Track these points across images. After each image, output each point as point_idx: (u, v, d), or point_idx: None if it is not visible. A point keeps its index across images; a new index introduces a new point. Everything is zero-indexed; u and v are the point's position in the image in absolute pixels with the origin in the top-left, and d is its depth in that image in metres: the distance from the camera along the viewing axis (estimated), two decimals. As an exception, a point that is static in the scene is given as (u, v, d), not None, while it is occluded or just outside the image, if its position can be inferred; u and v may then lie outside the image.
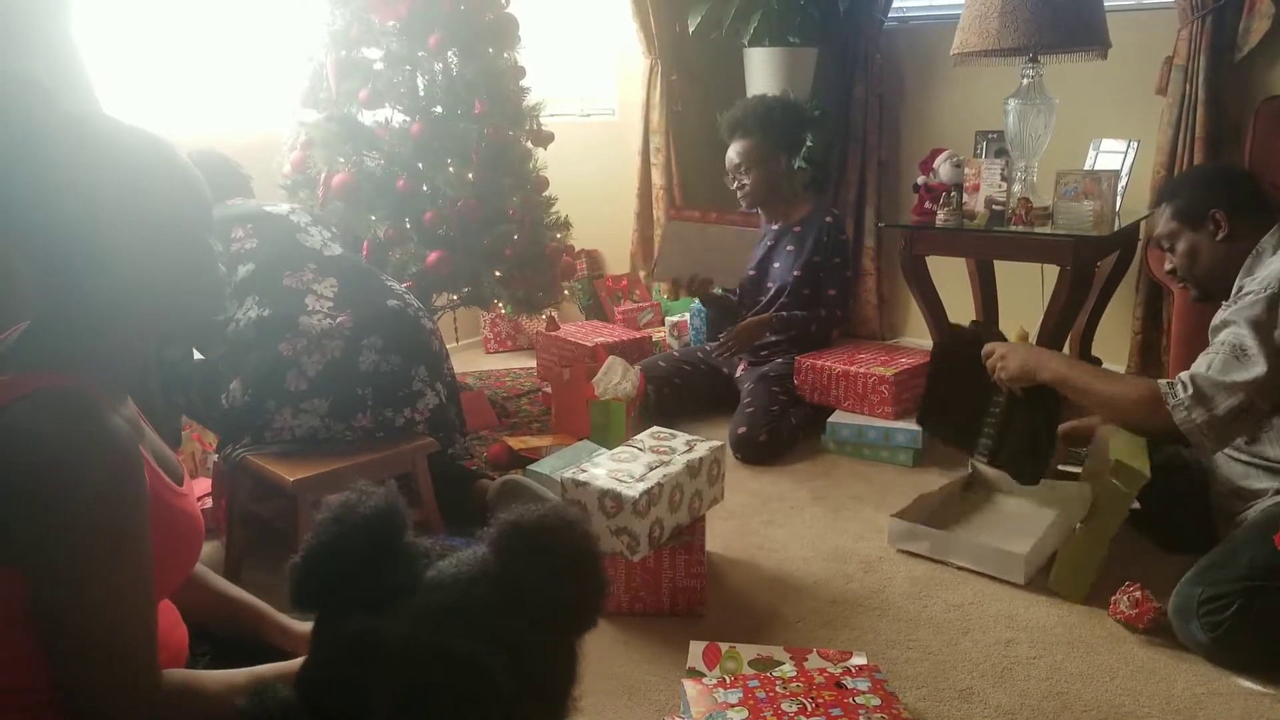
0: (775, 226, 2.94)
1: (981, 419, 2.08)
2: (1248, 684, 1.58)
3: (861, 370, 2.63)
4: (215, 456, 2.07)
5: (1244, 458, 1.80)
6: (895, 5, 3.50)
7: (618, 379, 2.65)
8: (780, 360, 2.86)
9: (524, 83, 2.82)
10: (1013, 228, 2.63)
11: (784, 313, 2.88)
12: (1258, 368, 1.64)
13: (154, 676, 0.92)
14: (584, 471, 1.80)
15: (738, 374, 2.95)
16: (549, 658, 0.80)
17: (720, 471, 1.96)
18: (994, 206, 2.70)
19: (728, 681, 1.48)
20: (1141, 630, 1.72)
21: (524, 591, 0.77)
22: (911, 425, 2.56)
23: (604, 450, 2.06)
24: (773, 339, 2.90)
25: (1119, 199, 2.70)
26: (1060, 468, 2.16)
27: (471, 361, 3.71)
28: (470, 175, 2.68)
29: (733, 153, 2.89)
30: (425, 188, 2.68)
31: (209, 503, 2.16)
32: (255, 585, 1.37)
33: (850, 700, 1.43)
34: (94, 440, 0.86)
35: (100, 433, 0.87)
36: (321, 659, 0.82)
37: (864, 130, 3.59)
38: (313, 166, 2.68)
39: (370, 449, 1.90)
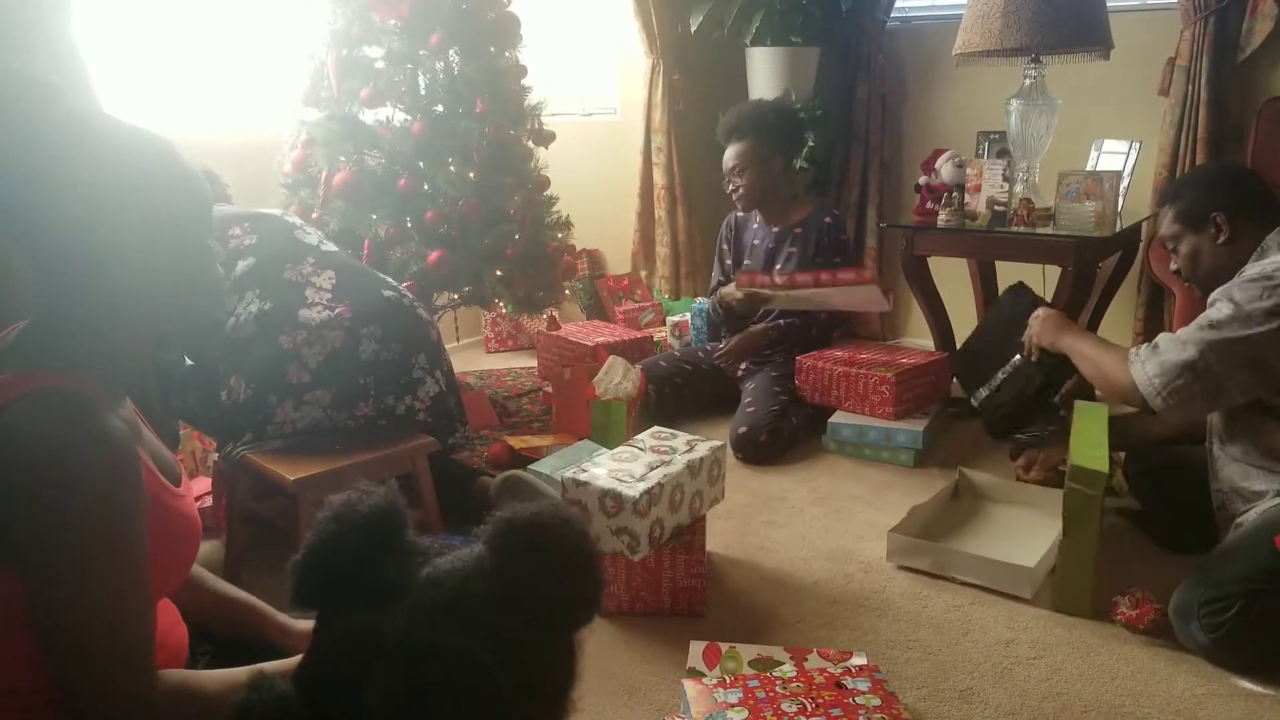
0: (776, 229, 2.94)
1: (996, 370, 2.37)
2: (1248, 685, 1.58)
3: (863, 370, 2.63)
4: (215, 455, 2.07)
5: (1244, 458, 1.80)
6: (898, 5, 3.50)
7: (619, 379, 2.65)
8: (781, 360, 2.86)
9: (525, 82, 2.82)
10: (1014, 228, 2.63)
11: (781, 321, 2.88)
12: (1218, 332, 1.70)
13: (151, 677, 0.92)
14: (584, 471, 1.80)
15: (739, 374, 2.95)
16: (546, 655, 0.80)
17: (721, 471, 1.96)
18: (996, 207, 2.70)
19: (728, 681, 1.48)
20: (1142, 631, 1.72)
21: (519, 588, 0.77)
22: (912, 426, 2.56)
23: (605, 450, 2.06)
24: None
25: (1121, 200, 2.70)
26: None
27: (472, 361, 3.71)
28: (471, 174, 2.68)
29: (727, 156, 2.89)
30: (426, 187, 2.68)
31: (209, 502, 2.16)
32: (256, 585, 1.37)
33: (850, 700, 1.43)
34: (92, 441, 0.86)
35: (98, 433, 0.87)
36: (319, 655, 0.82)
37: (866, 130, 3.59)
38: (314, 165, 2.68)
39: (371, 448, 1.90)
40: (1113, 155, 2.89)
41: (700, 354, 3.08)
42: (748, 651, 1.66)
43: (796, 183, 3.28)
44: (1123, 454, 2.19)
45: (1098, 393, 2.17)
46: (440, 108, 2.69)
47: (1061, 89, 2.71)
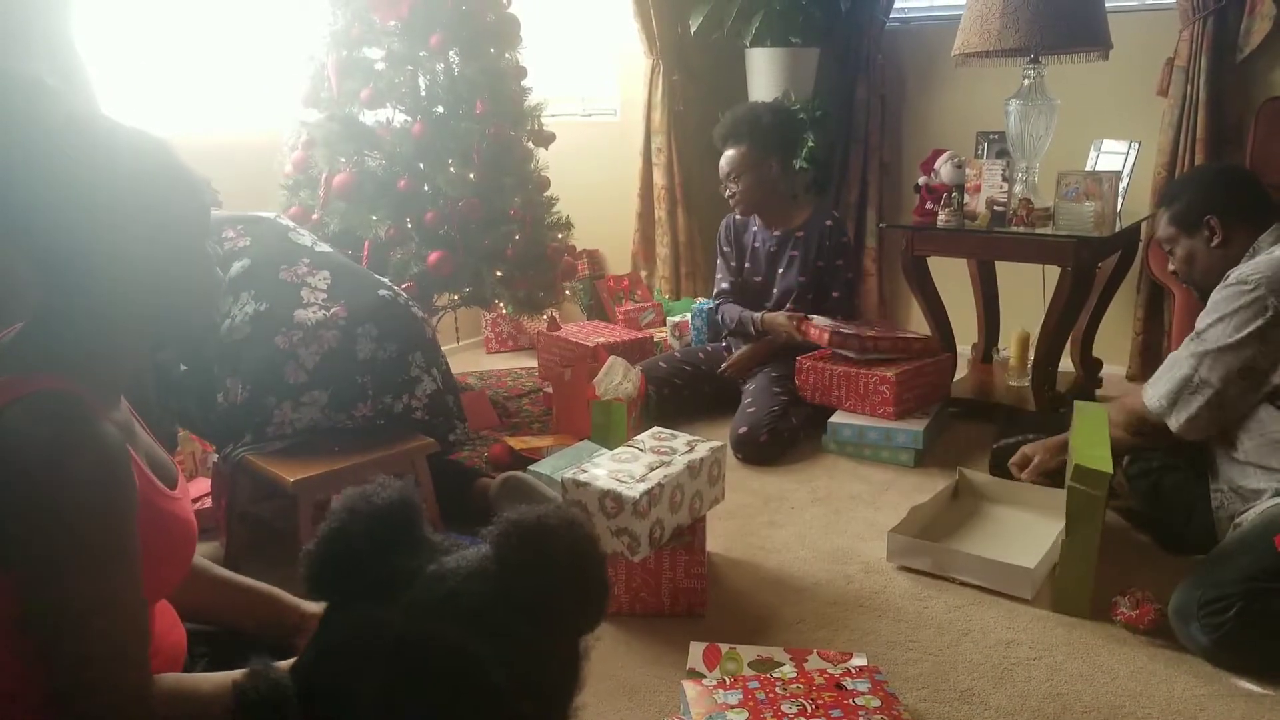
0: (777, 233, 2.93)
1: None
2: (1248, 685, 1.58)
3: (863, 370, 2.63)
4: (215, 457, 2.07)
5: (1244, 457, 1.80)
6: (897, 6, 3.50)
7: (619, 379, 2.65)
8: (781, 360, 2.86)
9: (525, 83, 2.83)
10: (1014, 228, 2.63)
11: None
12: (1205, 343, 1.74)
13: (146, 679, 0.91)
14: (584, 472, 1.80)
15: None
16: (546, 657, 0.80)
17: (721, 472, 1.96)
18: (995, 207, 2.70)
19: (728, 682, 1.48)
20: (1142, 631, 1.72)
21: (522, 589, 0.78)
22: (912, 426, 2.56)
23: (605, 451, 2.06)
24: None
25: (1120, 200, 2.70)
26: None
27: (473, 361, 3.71)
28: (472, 175, 2.68)
29: (723, 162, 2.89)
30: (426, 188, 2.69)
31: (209, 503, 2.16)
32: (255, 585, 1.37)
33: (850, 701, 1.43)
34: (85, 444, 0.86)
35: (91, 437, 0.87)
36: (320, 644, 0.83)
37: (866, 131, 3.59)
38: (314, 166, 2.68)
39: (370, 449, 1.90)
40: (1112, 155, 2.89)
41: (700, 355, 3.08)
42: (748, 652, 1.66)
43: (795, 184, 3.28)
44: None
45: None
46: (440, 109, 2.69)
47: (1060, 89, 2.71)
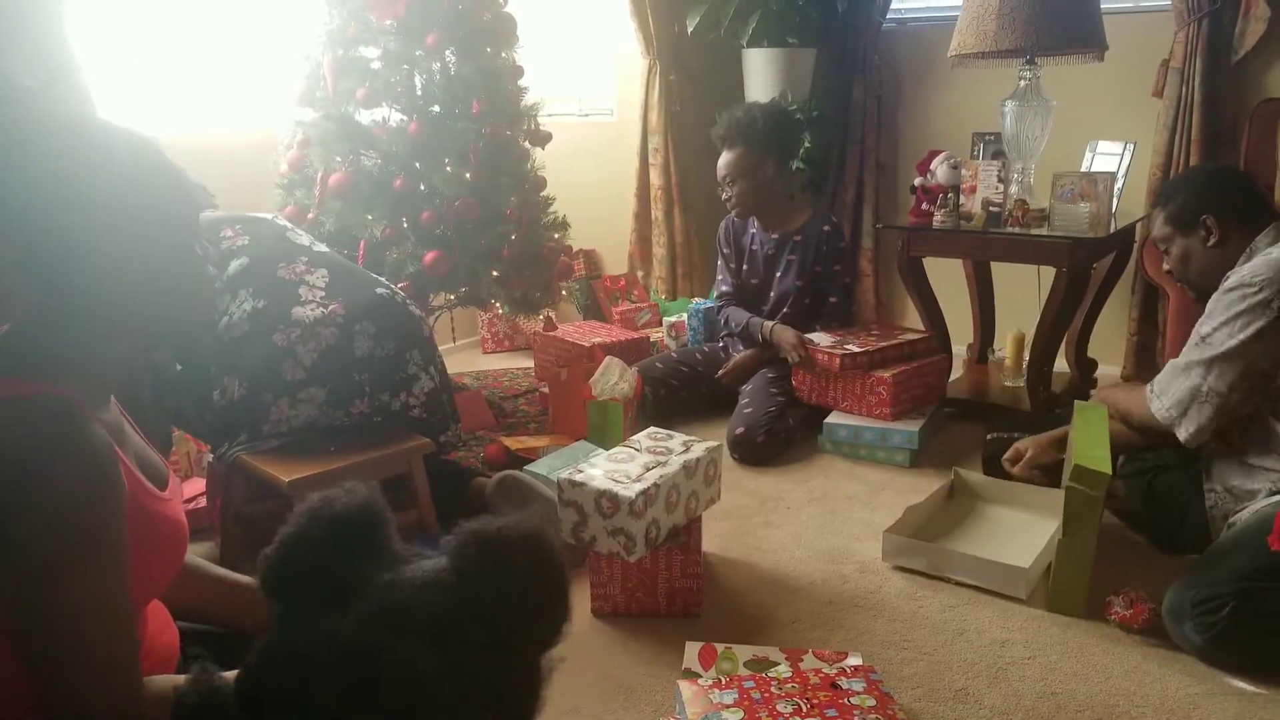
0: (775, 236, 2.93)
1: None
2: (1241, 684, 1.58)
3: (860, 371, 2.63)
4: (210, 456, 2.07)
5: (1240, 456, 1.81)
6: (893, 6, 3.51)
7: (615, 379, 2.65)
8: (779, 362, 2.86)
9: (522, 82, 2.82)
10: (1009, 229, 2.64)
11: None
12: (1209, 349, 1.74)
13: (134, 682, 0.91)
14: (581, 472, 1.81)
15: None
16: (499, 672, 0.77)
17: (717, 472, 1.97)
18: (991, 208, 2.70)
19: (723, 682, 1.48)
20: (1136, 631, 1.72)
21: (478, 601, 0.75)
22: (908, 426, 2.56)
23: (601, 451, 2.06)
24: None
25: (1115, 201, 2.71)
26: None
27: (469, 361, 3.71)
28: (468, 175, 2.68)
29: (719, 165, 2.88)
30: (423, 187, 2.68)
31: (203, 503, 2.16)
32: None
33: (845, 701, 1.43)
34: (72, 447, 0.86)
35: (79, 440, 0.87)
36: (266, 651, 0.81)
37: (862, 132, 3.59)
38: (310, 166, 2.68)
39: (365, 449, 1.90)
40: (1107, 156, 2.89)
41: (697, 355, 3.08)
42: (743, 652, 1.67)
43: (793, 184, 3.28)
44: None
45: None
46: (437, 108, 2.69)
47: (1056, 90, 2.72)
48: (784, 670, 1.56)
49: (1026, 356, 2.84)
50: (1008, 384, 2.99)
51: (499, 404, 3.07)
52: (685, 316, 3.55)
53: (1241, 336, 1.70)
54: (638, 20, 3.60)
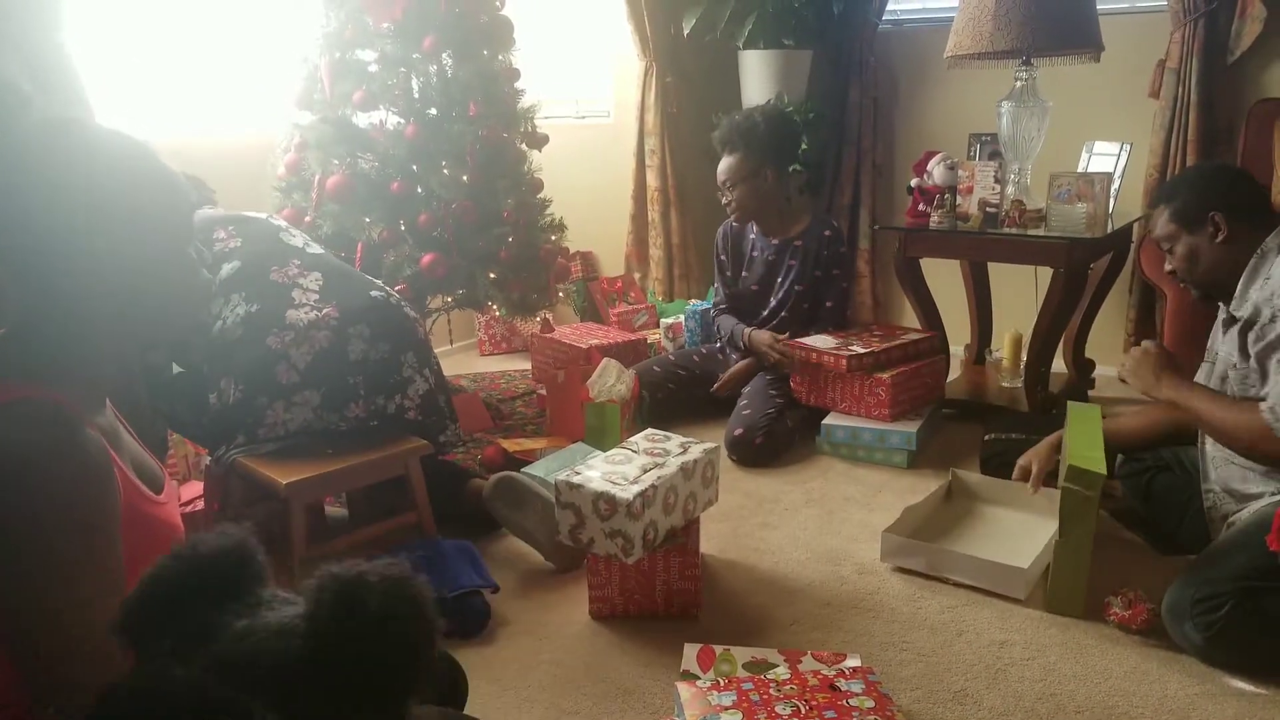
0: (775, 242, 2.93)
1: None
2: (1241, 684, 1.58)
3: (859, 372, 2.63)
4: (207, 460, 2.06)
5: (1244, 463, 1.79)
6: (889, 8, 3.51)
7: (612, 381, 2.65)
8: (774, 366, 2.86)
9: (519, 85, 2.82)
10: (1006, 230, 2.64)
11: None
12: None
13: None
14: (578, 474, 1.80)
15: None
16: None
17: (714, 473, 1.96)
18: (988, 209, 2.71)
19: (722, 684, 1.47)
20: (1135, 631, 1.72)
21: (325, 651, 0.70)
22: (906, 427, 2.56)
23: (599, 452, 2.06)
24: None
25: (1112, 201, 2.71)
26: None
27: (466, 364, 3.71)
28: (465, 177, 2.68)
29: (719, 170, 2.88)
30: (420, 190, 2.68)
31: (200, 506, 2.15)
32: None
33: (844, 703, 1.43)
34: (65, 452, 0.86)
35: (72, 444, 0.86)
36: (109, 696, 0.78)
37: (859, 133, 3.60)
38: (307, 169, 2.67)
39: (362, 451, 1.89)
40: (1103, 157, 2.90)
41: (695, 357, 3.08)
42: (742, 654, 1.66)
43: (791, 186, 3.28)
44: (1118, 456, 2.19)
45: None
46: (434, 111, 2.69)
47: (1052, 91, 2.72)
48: (782, 672, 1.56)
49: (1024, 357, 2.84)
50: (1005, 384, 3.00)
51: (496, 406, 3.07)
52: (682, 318, 3.55)
53: None
54: (634, 22, 3.60)
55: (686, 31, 3.55)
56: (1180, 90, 2.89)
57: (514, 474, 2.13)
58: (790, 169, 3.25)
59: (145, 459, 1.05)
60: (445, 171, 2.68)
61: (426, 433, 2.02)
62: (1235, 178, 1.90)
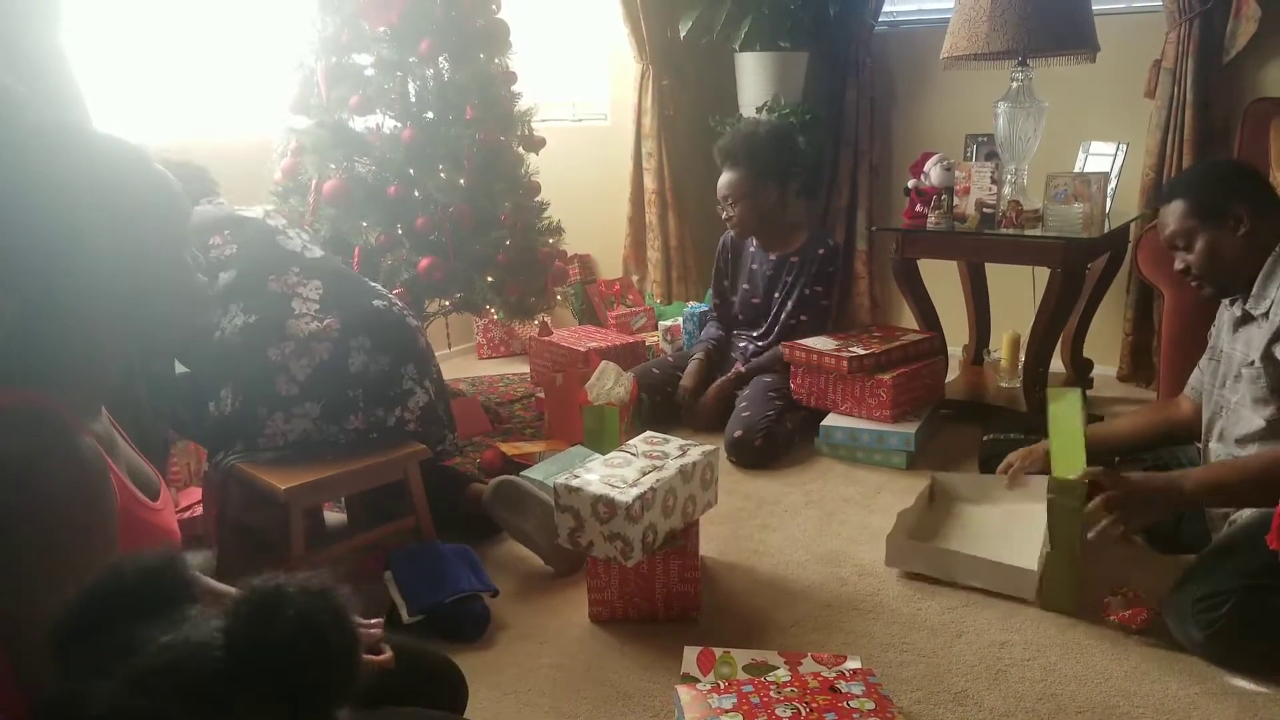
0: (773, 257, 2.93)
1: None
2: (1242, 683, 1.58)
3: (860, 374, 2.63)
4: (206, 464, 2.06)
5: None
6: (885, 9, 3.51)
7: (611, 384, 2.65)
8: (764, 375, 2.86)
9: (515, 88, 2.82)
10: (1003, 230, 2.64)
11: (752, 360, 2.90)
12: None
13: None
14: (577, 477, 1.80)
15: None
16: None
17: (713, 476, 1.96)
18: (985, 209, 2.71)
19: (722, 687, 1.47)
20: (1135, 631, 1.72)
21: (241, 664, 0.70)
22: (904, 429, 2.56)
23: (597, 455, 2.05)
24: (766, 342, 2.92)
25: (1109, 201, 2.71)
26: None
27: (464, 367, 3.71)
28: (462, 181, 2.67)
29: (721, 183, 2.89)
30: (417, 193, 2.68)
31: (200, 511, 2.15)
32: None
33: (845, 704, 1.43)
34: (60, 459, 0.85)
35: (67, 451, 0.86)
36: (38, 710, 0.77)
37: (855, 134, 3.60)
38: (304, 173, 2.67)
39: (361, 456, 1.89)
40: (1100, 157, 2.90)
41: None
42: (742, 656, 1.66)
43: (789, 190, 3.28)
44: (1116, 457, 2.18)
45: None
46: (430, 114, 2.69)
47: (1048, 92, 2.72)
48: (783, 674, 1.56)
49: (1022, 357, 2.84)
50: (1003, 385, 3.00)
51: (495, 409, 3.07)
52: (680, 320, 3.55)
53: None
54: (630, 25, 3.60)
55: (683, 34, 3.55)
56: (1176, 90, 2.89)
57: (513, 477, 2.12)
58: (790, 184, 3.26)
59: (141, 466, 1.04)
60: (442, 175, 2.67)
61: (425, 443, 2.01)
62: (1251, 171, 1.87)
